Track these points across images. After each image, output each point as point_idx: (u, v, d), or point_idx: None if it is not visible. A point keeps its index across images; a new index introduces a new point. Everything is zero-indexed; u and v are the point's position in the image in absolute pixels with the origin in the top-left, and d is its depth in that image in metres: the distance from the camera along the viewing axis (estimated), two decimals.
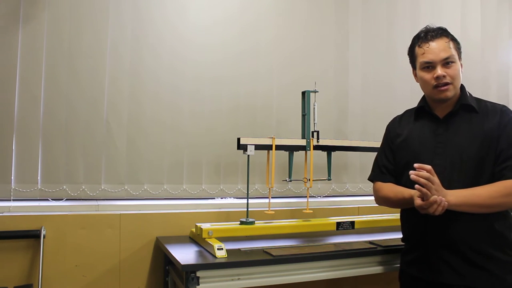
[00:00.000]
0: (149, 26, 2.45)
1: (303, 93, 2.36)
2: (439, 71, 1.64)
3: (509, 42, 3.51)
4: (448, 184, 1.58)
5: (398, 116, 1.91)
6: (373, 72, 3.00)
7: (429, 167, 1.51)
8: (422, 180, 1.49)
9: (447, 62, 1.65)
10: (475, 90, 3.07)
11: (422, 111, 1.79)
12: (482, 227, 1.60)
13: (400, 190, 1.75)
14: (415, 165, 1.51)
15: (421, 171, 1.50)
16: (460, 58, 1.70)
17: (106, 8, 2.37)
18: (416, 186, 1.50)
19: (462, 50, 1.73)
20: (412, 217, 1.73)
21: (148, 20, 2.45)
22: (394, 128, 1.88)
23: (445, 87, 1.65)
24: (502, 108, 1.68)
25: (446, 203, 1.50)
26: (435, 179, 1.51)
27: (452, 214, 1.58)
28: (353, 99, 2.94)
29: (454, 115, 1.69)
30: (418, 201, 1.53)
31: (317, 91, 2.36)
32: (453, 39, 1.69)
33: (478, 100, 1.73)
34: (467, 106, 1.68)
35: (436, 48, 1.65)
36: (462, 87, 1.73)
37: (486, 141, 1.61)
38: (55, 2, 2.28)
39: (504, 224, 1.63)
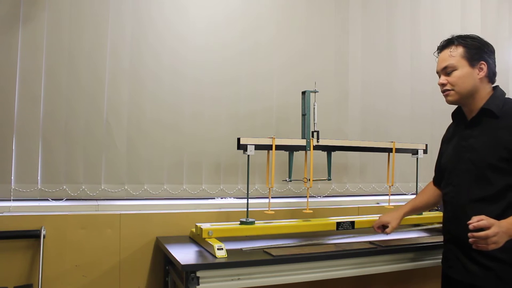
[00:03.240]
0: (149, 26, 2.45)
1: (303, 93, 2.36)
2: (440, 79, 1.79)
3: (509, 42, 3.51)
4: (466, 189, 1.72)
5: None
6: (373, 72, 3.00)
7: (473, 225, 1.49)
8: (480, 245, 1.50)
9: (446, 72, 1.76)
10: None
11: (457, 113, 1.89)
12: None
13: (420, 192, 2.14)
14: (470, 226, 1.50)
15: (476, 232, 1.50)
16: (473, 63, 1.72)
17: (106, 8, 2.36)
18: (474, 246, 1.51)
19: None
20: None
21: (148, 20, 2.45)
22: (447, 130, 1.99)
23: (446, 93, 1.78)
24: None
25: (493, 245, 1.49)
26: (487, 232, 1.48)
27: (463, 213, 1.68)
28: (353, 99, 2.94)
29: (478, 119, 1.76)
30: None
31: (317, 91, 2.36)
32: (466, 46, 1.73)
33: (508, 103, 1.72)
34: (487, 111, 1.72)
35: (439, 59, 1.80)
36: (495, 89, 1.78)
37: (498, 147, 1.65)
38: (55, 2, 2.28)
39: None
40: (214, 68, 2.57)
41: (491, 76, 1.76)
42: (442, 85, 1.77)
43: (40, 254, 2.07)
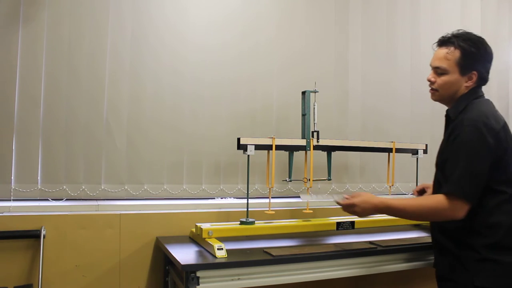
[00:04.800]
0: (149, 26, 2.45)
1: (303, 93, 2.36)
2: (429, 75, 1.81)
3: (509, 42, 3.51)
4: (432, 186, 1.91)
5: None
6: (373, 72, 3.00)
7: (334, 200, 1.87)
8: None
9: (437, 72, 1.77)
10: None
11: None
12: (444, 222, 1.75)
13: None
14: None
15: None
16: (465, 71, 1.71)
17: (106, 8, 2.36)
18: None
19: None
20: None
21: (148, 20, 2.45)
22: None
23: (431, 91, 1.83)
24: (460, 122, 1.68)
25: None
26: (342, 205, 1.82)
27: None
28: (353, 99, 2.94)
29: (446, 121, 1.85)
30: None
31: (317, 91, 2.36)
32: (464, 52, 1.70)
33: (467, 110, 1.71)
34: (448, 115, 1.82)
35: (435, 54, 1.79)
36: (469, 91, 1.75)
37: (440, 150, 1.79)
38: (55, 2, 2.28)
39: (469, 220, 1.67)
40: (214, 68, 2.57)
41: (480, 83, 1.76)
42: (430, 81, 1.80)
43: (40, 254, 2.07)
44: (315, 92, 2.35)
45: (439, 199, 1.65)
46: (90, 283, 2.20)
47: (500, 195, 1.66)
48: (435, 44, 1.80)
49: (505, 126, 1.70)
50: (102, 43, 2.36)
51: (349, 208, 1.79)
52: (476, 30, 3.31)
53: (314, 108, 2.34)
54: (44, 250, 2.10)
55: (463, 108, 1.73)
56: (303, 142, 2.32)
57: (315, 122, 2.35)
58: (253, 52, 2.67)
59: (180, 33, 2.51)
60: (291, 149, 2.30)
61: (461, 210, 1.63)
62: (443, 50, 1.74)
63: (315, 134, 2.32)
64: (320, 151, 2.38)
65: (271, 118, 2.71)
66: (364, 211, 1.77)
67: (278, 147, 2.25)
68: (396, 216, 1.74)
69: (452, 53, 1.72)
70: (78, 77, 2.32)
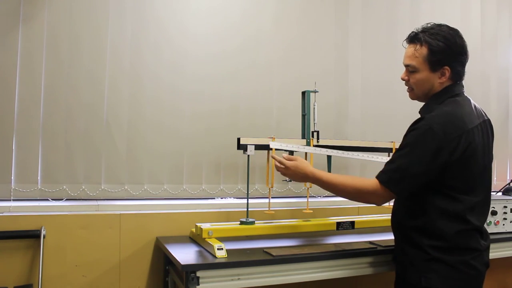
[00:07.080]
0: (149, 27, 2.45)
1: (303, 93, 2.36)
2: (402, 74, 1.78)
3: (509, 42, 3.51)
4: None
5: None
6: (373, 72, 3.00)
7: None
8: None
9: (409, 70, 1.74)
10: (475, 90, 3.08)
11: None
12: (402, 217, 1.76)
13: None
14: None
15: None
16: (435, 68, 1.67)
17: (106, 8, 2.36)
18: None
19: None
20: None
21: (148, 20, 2.45)
22: None
23: (407, 90, 1.81)
24: (422, 118, 1.66)
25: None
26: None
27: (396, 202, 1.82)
28: (353, 99, 2.94)
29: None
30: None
31: (317, 91, 2.36)
32: (431, 48, 1.65)
33: (440, 105, 1.68)
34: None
35: (405, 52, 1.75)
36: (443, 89, 1.71)
37: None
38: (55, 2, 2.28)
39: (418, 220, 1.68)
40: (214, 66, 2.57)
41: (455, 78, 1.70)
42: (404, 80, 1.78)
43: (40, 254, 2.07)
44: (315, 92, 2.35)
45: (371, 182, 1.68)
46: (90, 283, 2.20)
47: (450, 200, 1.63)
48: (405, 41, 1.75)
49: (472, 130, 1.63)
50: (102, 43, 2.36)
51: (281, 168, 1.82)
52: (476, 30, 3.36)
53: (314, 108, 2.34)
54: (44, 250, 2.10)
55: (437, 105, 1.68)
56: (303, 142, 2.32)
57: (315, 122, 2.34)
58: (253, 51, 2.66)
59: (180, 35, 2.51)
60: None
61: (384, 199, 1.70)
62: (411, 47, 1.71)
63: (315, 134, 2.32)
64: None
65: (271, 117, 2.71)
66: (294, 176, 1.81)
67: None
68: (326, 190, 1.78)
69: (420, 50, 1.67)
70: (78, 77, 2.32)
